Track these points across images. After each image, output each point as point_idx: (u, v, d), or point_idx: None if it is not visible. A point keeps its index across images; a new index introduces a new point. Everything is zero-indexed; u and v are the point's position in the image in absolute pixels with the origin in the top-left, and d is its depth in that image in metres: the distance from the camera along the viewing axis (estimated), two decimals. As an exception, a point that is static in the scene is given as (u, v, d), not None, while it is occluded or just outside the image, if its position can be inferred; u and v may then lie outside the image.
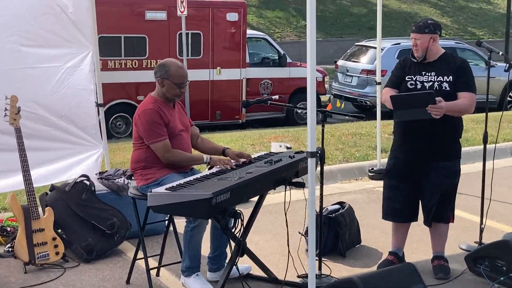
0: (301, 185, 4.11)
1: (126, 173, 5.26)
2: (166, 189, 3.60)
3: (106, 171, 5.45)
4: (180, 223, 4.83)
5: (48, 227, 4.56)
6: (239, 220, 3.70)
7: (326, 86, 12.75)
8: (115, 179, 5.15)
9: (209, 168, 4.14)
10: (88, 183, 4.97)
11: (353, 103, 13.86)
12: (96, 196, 4.97)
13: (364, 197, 6.60)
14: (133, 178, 4.98)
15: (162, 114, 4.10)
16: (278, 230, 5.50)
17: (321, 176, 4.14)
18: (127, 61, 10.64)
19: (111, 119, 10.64)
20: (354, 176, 7.41)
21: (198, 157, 4.15)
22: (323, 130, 4.20)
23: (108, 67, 10.37)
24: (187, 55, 10.35)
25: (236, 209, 3.66)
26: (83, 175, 5.07)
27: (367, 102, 12.99)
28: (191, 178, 3.86)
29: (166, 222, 4.56)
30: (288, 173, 4.07)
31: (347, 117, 4.48)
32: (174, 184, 3.70)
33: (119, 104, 10.73)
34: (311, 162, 3.55)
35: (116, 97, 10.56)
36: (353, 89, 13.34)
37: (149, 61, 10.75)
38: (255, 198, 4.21)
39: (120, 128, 10.94)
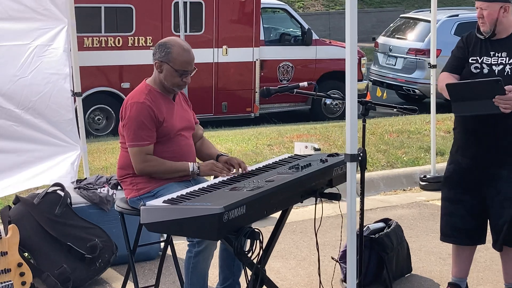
0: (336, 197, 4.10)
1: (110, 181, 5.28)
2: (164, 201, 3.59)
3: (85, 178, 5.46)
4: (181, 245, 4.85)
5: (12, 250, 4.49)
6: (258, 242, 3.69)
7: (363, 70, 12.75)
8: (96, 189, 5.16)
9: (216, 176, 4.15)
10: (62, 194, 4.96)
11: (397, 92, 13.86)
12: (72, 210, 4.98)
13: (415, 212, 6.60)
14: (119, 187, 5.04)
15: (155, 110, 4.13)
16: (304, 254, 5.51)
17: (362, 186, 4.13)
18: (108, 38, 10.69)
19: (88, 112, 10.71)
20: (401, 185, 7.42)
21: (182, 167, 4.16)
22: (364, 126, 4.20)
23: (84, 46, 10.41)
24: (185, 31, 10.25)
25: (253, 227, 3.66)
26: (56, 184, 5.07)
27: (416, 90, 12.98)
28: (196, 187, 3.86)
29: (163, 244, 4.56)
30: (319, 182, 4.06)
31: (395, 110, 4.45)
32: (174, 195, 3.70)
33: (98, 93, 10.77)
34: (350, 167, 3.53)
35: (94, 85, 10.62)
36: (398, 74, 13.33)
37: (136, 38, 10.82)
38: (277, 214, 4.21)
39: (100, 124, 11.00)
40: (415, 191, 7.29)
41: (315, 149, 6.72)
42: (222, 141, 8.61)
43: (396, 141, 8.71)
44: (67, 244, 4.83)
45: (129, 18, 10.77)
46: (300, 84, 4.26)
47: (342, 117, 12.21)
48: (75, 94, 5.69)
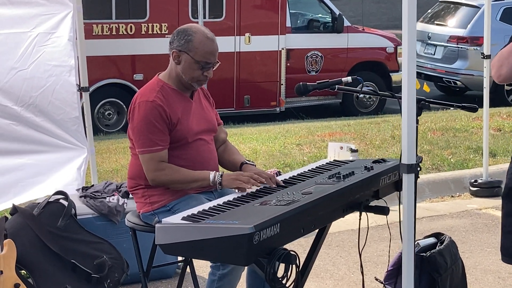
0: (383, 211, 3.85)
1: (120, 188, 5.07)
2: (183, 218, 3.34)
3: (93, 185, 5.25)
4: (201, 261, 4.55)
5: (8, 268, 4.36)
6: (294, 266, 3.37)
7: (399, 60, 12.50)
8: (105, 198, 4.93)
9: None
10: (66, 203, 4.75)
11: (436, 84, 13.57)
12: (77, 222, 4.77)
13: (466, 223, 6.27)
14: (131, 196, 4.78)
15: (168, 110, 3.84)
16: (342, 273, 5.22)
17: (414, 198, 3.77)
18: (119, 26, 10.55)
19: (98, 106, 10.59)
20: (448, 191, 7.08)
21: (201, 176, 3.85)
22: (416, 128, 3.83)
23: (93, 33, 10.31)
24: (204, 17, 9.93)
25: (288, 249, 3.33)
26: (58, 192, 4.87)
27: (457, 82, 12.81)
28: (219, 201, 3.59)
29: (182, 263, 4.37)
30: (364, 194, 3.81)
31: (452, 108, 4.11)
32: (195, 210, 3.43)
33: (109, 85, 10.64)
34: (408, 180, 3.21)
35: (104, 76, 10.50)
36: (437, 64, 13.11)
37: (150, 25, 10.66)
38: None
39: (110, 119, 10.88)
40: (465, 198, 6.96)
41: (352, 150, 6.41)
42: (245, 140, 8.30)
43: (440, 140, 8.36)
44: (71, 261, 4.62)
45: (143, 3, 10.61)
46: (343, 79, 3.92)
47: (375, 112, 12.03)
48: (81, 89, 5.52)
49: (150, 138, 3.80)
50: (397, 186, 4.04)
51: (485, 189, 6.85)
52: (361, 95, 12.30)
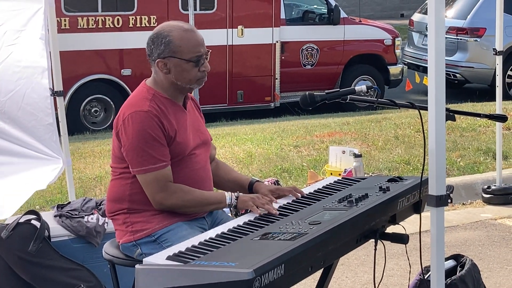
0: (403, 240, 3.41)
1: (100, 206, 4.62)
2: (169, 258, 2.84)
3: (69, 202, 4.79)
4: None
5: None
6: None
7: (398, 52, 12.30)
8: (83, 217, 4.50)
9: (235, 213, 3.41)
10: (38, 224, 4.36)
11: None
12: (51, 246, 4.39)
13: (482, 235, 5.74)
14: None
15: (164, 120, 3.33)
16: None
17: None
18: (106, 18, 10.23)
19: (84, 103, 10.32)
20: (459, 198, 6.55)
21: (216, 199, 3.40)
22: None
23: (79, 27, 10.04)
24: (195, 9, 9.80)
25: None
26: (30, 211, 4.50)
27: (457, 75, 12.52)
28: (212, 233, 3.07)
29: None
30: (380, 220, 3.36)
31: (480, 118, 3.59)
32: (182, 246, 2.92)
33: (95, 81, 10.35)
34: (437, 215, 2.70)
35: (90, 72, 10.22)
36: (436, 56, 12.59)
37: (138, 18, 10.37)
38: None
39: (97, 117, 10.58)
40: (478, 206, 6.42)
41: (356, 155, 5.88)
42: (239, 141, 7.74)
43: (447, 140, 7.79)
44: (44, 291, 4.25)
45: (130, -6, 10.38)
46: (356, 88, 3.37)
47: (372, 106, 11.47)
48: (55, 94, 5.03)
49: (150, 153, 3.28)
50: (417, 208, 3.57)
51: (499, 196, 6.36)
52: (358, 90, 11.78)
